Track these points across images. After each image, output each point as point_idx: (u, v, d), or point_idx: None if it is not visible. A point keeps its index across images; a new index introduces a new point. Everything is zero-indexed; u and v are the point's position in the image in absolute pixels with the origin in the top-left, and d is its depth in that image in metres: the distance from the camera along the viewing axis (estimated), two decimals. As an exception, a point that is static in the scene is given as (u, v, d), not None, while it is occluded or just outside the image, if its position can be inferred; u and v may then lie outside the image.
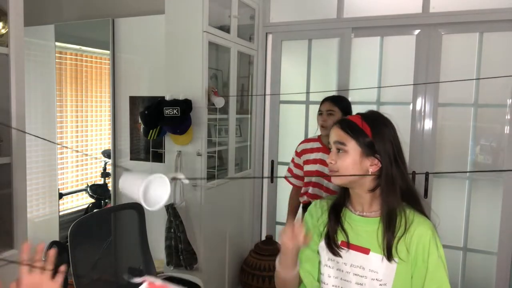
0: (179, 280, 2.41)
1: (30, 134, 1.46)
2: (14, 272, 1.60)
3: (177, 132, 2.38)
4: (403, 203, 1.10)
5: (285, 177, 2.41)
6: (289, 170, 2.39)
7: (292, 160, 2.37)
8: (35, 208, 3.27)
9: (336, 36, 2.88)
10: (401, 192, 1.09)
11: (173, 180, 0.81)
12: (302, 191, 2.30)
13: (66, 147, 3.19)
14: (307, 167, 2.25)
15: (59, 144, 3.14)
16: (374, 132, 1.09)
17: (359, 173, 1.09)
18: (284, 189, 2.42)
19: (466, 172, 2.64)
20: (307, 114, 3.02)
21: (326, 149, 2.13)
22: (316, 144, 2.23)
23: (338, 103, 2.15)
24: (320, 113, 2.18)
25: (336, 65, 2.91)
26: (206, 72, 2.42)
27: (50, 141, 3.00)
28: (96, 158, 3.26)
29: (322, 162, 2.15)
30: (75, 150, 3.21)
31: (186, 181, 0.85)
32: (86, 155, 3.25)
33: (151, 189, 0.76)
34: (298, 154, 2.32)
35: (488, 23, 2.49)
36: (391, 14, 2.70)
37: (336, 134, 1.13)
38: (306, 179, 2.26)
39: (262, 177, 3.21)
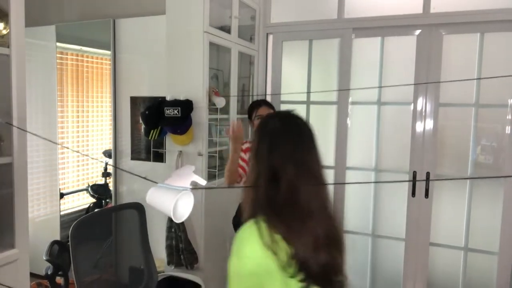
0: (180, 280, 2.42)
1: (31, 133, 1.47)
2: (14, 272, 1.61)
3: (178, 132, 2.39)
4: (266, 211, 1.01)
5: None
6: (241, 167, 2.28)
7: (242, 158, 2.28)
8: (36, 208, 3.28)
9: (337, 36, 2.89)
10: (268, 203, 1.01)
11: (194, 185, 0.93)
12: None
13: (67, 147, 3.20)
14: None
15: (59, 144, 3.14)
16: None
17: None
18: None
19: (466, 178, 2.64)
20: (308, 115, 3.02)
21: None
22: None
23: (271, 106, 2.35)
24: (258, 117, 2.26)
25: (337, 66, 2.90)
26: (206, 72, 2.42)
27: (51, 141, 3.01)
28: (95, 159, 3.26)
29: None
30: (75, 151, 3.22)
31: (204, 182, 0.92)
32: (87, 155, 3.25)
33: (179, 204, 0.87)
34: (243, 151, 2.28)
35: (489, 23, 2.49)
36: (392, 14, 2.69)
37: None
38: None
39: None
